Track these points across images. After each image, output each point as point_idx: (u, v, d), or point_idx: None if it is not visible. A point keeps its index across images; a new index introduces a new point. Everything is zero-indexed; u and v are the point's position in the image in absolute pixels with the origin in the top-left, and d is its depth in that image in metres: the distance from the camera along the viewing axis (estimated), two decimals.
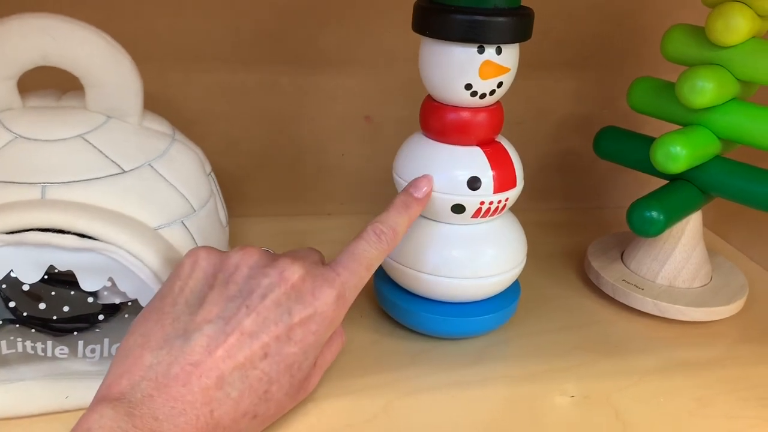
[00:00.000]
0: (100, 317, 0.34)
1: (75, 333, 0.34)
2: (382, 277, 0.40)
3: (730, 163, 0.40)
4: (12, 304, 0.33)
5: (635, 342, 0.40)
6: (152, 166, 0.33)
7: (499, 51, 0.33)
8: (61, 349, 0.32)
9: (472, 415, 0.33)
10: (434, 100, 0.35)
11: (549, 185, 0.57)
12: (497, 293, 0.38)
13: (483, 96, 0.34)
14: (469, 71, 0.33)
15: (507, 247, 0.37)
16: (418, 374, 0.36)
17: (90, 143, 0.32)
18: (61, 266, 0.29)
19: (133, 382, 0.25)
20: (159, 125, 0.36)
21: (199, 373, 0.26)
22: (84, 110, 0.33)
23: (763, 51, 0.38)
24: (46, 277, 0.30)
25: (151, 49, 0.45)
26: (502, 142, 0.36)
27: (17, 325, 0.33)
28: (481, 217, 0.35)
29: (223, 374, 0.26)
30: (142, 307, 0.31)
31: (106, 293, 0.33)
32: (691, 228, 0.42)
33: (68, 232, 0.29)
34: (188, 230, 0.33)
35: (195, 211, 0.34)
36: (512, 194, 0.36)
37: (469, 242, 0.36)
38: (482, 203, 0.35)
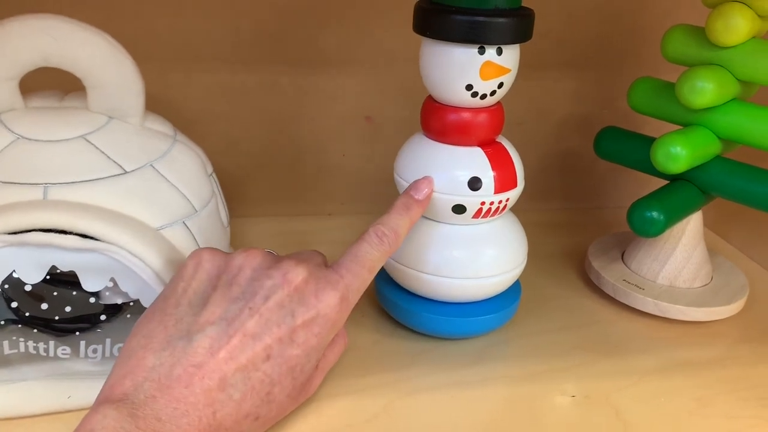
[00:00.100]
0: (102, 317, 0.34)
1: (77, 333, 0.34)
2: (383, 277, 0.40)
3: (730, 164, 0.41)
4: (14, 305, 0.33)
5: (636, 342, 0.40)
6: (154, 167, 0.33)
7: (499, 51, 0.33)
8: (63, 350, 0.32)
9: (472, 415, 0.33)
10: (435, 101, 0.35)
11: (549, 185, 0.57)
12: (498, 293, 0.38)
13: (484, 96, 0.34)
14: (469, 72, 0.33)
15: (508, 247, 0.37)
16: (418, 374, 0.36)
17: (92, 144, 0.32)
18: (63, 266, 0.29)
19: (135, 383, 0.25)
20: (160, 126, 0.36)
21: (201, 374, 0.26)
22: (86, 111, 0.33)
23: (763, 51, 0.38)
24: (48, 277, 0.30)
25: (151, 50, 0.45)
26: (503, 143, 0.36)
27: (19, 326, 0.33)
28: (482, 217, 0.36)
29: (225, 376, 0.26)
30: (144, 308, 0.31)
31: (108, 293, 0.33)
32: (691, 228, 0.42)
33: (70, 233, 0.29)
34: (190, 231, 0.33)
35: (196, 211, 0.34)
36: (513, 194, 0.36)
37: (470, 242, 0.36)
38: (483, 203, 0.35)
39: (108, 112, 0.34)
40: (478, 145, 0.35)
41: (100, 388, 0.26)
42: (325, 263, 0.32)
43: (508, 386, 0.36)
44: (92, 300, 0.32)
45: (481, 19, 0.31)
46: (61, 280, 0.32)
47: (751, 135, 0.39)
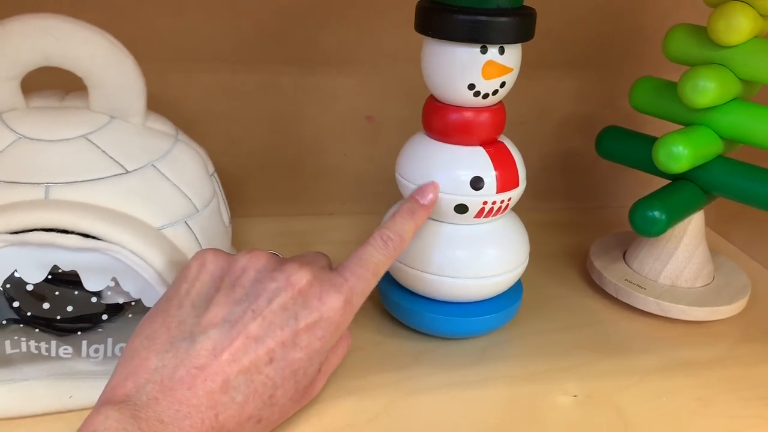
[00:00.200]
0: (104, 317, 0.34)
1: (79, 333, 0.34)
2: (384, 277, 0.39)
3: (732, 163, 0.40)
4: (16, 304, 0.33)
5: (637, 341, 0.40)
6: (155, 167, 0.33)
7: (502, 51, 0.33)
8: (64, 349, 0.32)
9: (473, 415, 0.33)
10: (437, 100, 0.35)
11: (551, 185, 0.57)
12: (499, 293, 0.38)
13: (486, 96, 0.34)
14: (472, 71, 0.33)
15: (509, 247, 0.37)
16: (420, 374, 0.36)
17: (93, 143, 0.32)
18: (65, 266, 0.29)
19: (138, 385, 0.25)
20: (162, 125, 0.36)
21: (204, 376, 0.26)
22: (87, 110, 0.33)
23: (765, 50, 0.38)
24: (49, 276, 0.30)
25: (151, 50, 0.45)
26: (505, 142, 0.36)
27: (21, 325, 0.33)
28: (484, 217, 0.36)
29: (228, 378, 0.26)
30: (145, 307, 0.31)
31: (109, 293, 0.33)
32: (693, 228, 0.42)
33: (72, 232, 0.29)
34: (191, 230, 0.33)
35: (198, 211, 0.34)
36: (515, 194, 0.36)
37: (472, 242, 0.36)
38: (485, 203, 0.35)
39: (109, 111, 0.34)
40: (480, 145, 0.35)
41: (102, 387, 0.26)
42: (330, 266, 0.32)
43: (509, 386, 0.36)
44: (94, 299, 0.32)
45: (483, 18, 0.31)
46: (63, 280, 0.32)
47: (753, 134, 0.39)
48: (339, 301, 0.29)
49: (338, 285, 0.29)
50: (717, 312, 0.41)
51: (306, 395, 0.30)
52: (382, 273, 0.31)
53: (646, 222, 0.39)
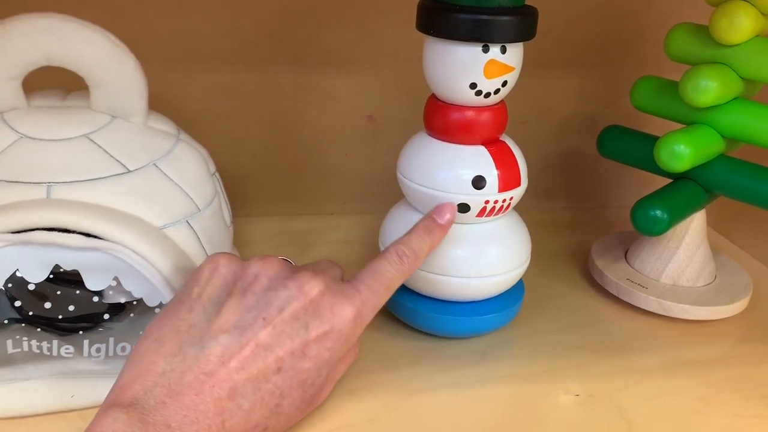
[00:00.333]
0: (106, 316, 0.34)
1: (80, 332, 0.34)
2: None
3: (733, 162, 0.40)
4: (18, 304, 0.33)
5: (639, 341, 0.40)
6: (157, 166, 0.33)
7: (503, 50, 0.33)
8: (66, 349, 0.32)
9: (475, 415, 0.33)
10: (438, 100, 0.35)
11: (552, 184, 0.57)
12: (501, 292, 0.38)
13: (488, 95, 0.34)
14: (473, 70, 0.33)
15: (511, 246, 0.37)
16: (421, 373, 0.36)
17: (95, 143, 0.32)
18: (67, 265, 0.29)
19: (145, 388, 0.25)
20: (163, 125, 0.36)
21: (212, 383, 0.26)
22: (89, 110, 0.33)
23: (766, 49, 0.38)
24: (51, 276, 0.30)
25: (152, 50, 0.45)
26: (507, 141, 0.36)
27: (23, 325, 0.33)
28: (486, 216, 0.35)
29: (235, 385, 0.26)
30: (147, 307, 0.31)
31: (111, 292, 0.33)
32: (695, 227, 0.42)
33: (73, 232, 0.29)
34: (193, 230, 0.33)
35: (200, 210, 0.34)
36: (517, 193, 0.36)
37: (474, 241, 0.36)
38: (487, 202, 0.35)
39: (111, 111, 0.34)
40: (482, 144, 0.35)
41: (104, 387, 0.26)
42: (342, 276, 0.32)
43: (511, 385, 0.36)
44: (96, 299, 0.32)
45: (485, 17, 0.31)
46: (65, 279, 0.32)
47: (755, 133, 0.39)
48: (351, 314, 0.29)
49: (351, 297, 0.29)
50: (719, 311, 0.41)
51: (312, 404, 0.30)
52: (395, 288, 0.31)
53: (648, 221, 0.39)
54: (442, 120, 0.35)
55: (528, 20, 0.33)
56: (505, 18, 0.32)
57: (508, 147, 0.36)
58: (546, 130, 0.55)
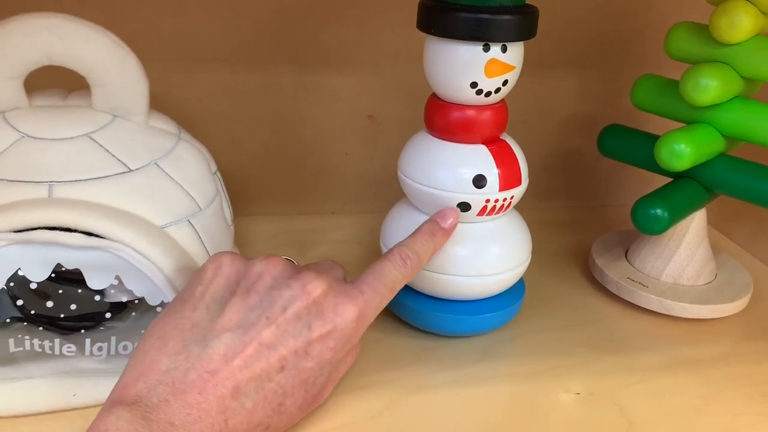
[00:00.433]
0: (107, 315, 0.34)
1: (82, 331, 0.34)
2: None
3: (734, 161, 0.40)
4: (20, 303, 0.33)
5: (640, 339, 0.40)
6: (158, 165, 0.33)
7: (504, 49, 0.33)
8: (68, 347, 0.32)
9: (476, 413, 0.33)
10: (439, 99, 0.35)
11: (553, 184, 0.57)
12: (502, 291, 0.38)
13: (488, 94, 0.34)
14: (474, 69, 0.33)
15: (512, 245, 0.37)
16: (422, 372, 0.36)
17: (96, 142, 0.32)
18: (69, 264, 0.29)
19: (149, 386, 0.25)
20: (165, 124, 0.36)
21: (215, 381, 0.26)
22: (90, 109, 0.33)
23: (766, 48, 0.38)
24: (53, 275, 0.30)
25: (153, 50, 0.45)
26: (507, 140, 0.36)
27: (25, 323, 0.33)
28: (487, 215, 0.36)
29: (239, 384, 0.26)
30: (149, 306, 0.31)
31: (113, 291, 0.33)
32: (695, 225, 0.42)
33: (75, 231, 0.29)
34: (194, 229, 0.33)
35: (201, 209, 0.34)
36: (517, 192, 0.36)
37: (475, 240, 0.36)
38: (488, 201, 0.35)
39: (112, 110, 0.34)
40: (483, 143, 0.35)
41: (106, 386, 0.26)
42: (345, 276, 0.32)
43: (511, 384, 0.36)
44: (97, 298, 0.33)
45: (486, 16, 0.31)
46: (67, 278, 0.32)
47: (755, 132, 0.39)
48: (353, 314, 0.29)
49: (353, 297, 0.29)
50: (719, 310, 0.41)
51: (314, 403, 0.30)
52: (397, 290, 0.32)
53: (649, 220, 0.39)
54: (442, 119, 0.35)
55: (528, 19, 0.33)
56: (505, 17, 0.32)
57: (509, 146, 0.36)
58: (546, 130, 0.55)
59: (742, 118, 0.39)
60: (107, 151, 0.32)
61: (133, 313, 0.35)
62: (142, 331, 0.32)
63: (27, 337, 0.32)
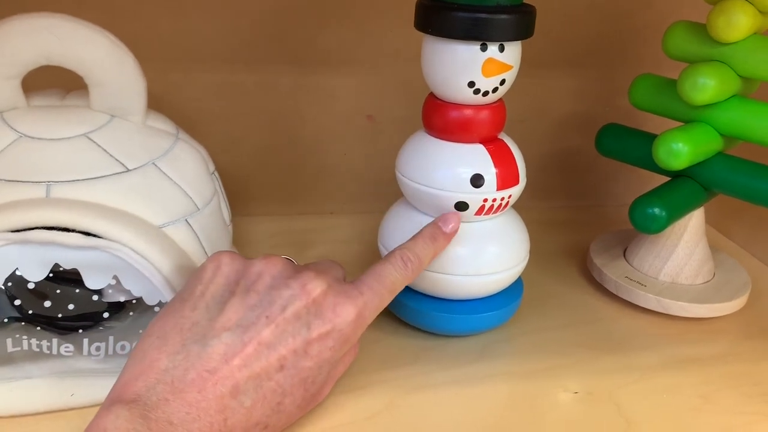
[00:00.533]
0: (105, 315, 0.34)
1: (80, 331, 0.34)
2: None
3: (732, 160, 0.41)
4: (17, 302, 0.33)
5: (638, 339, 0.40)
6: (156, 165, 0.33)
7: (501, 48, 0.33)
8: (66, 347, 0.32)
9: (474, 413, 0.33)
10: (437, 98, 0.35)
11: (551, 183, 0.57)
12: (500, 290, 0.38)
13: (486, 93, 0.34)
14: (472, 69, 0.33)
15: (510, 244, 0.37)
16: (420, 371, 0.36)
17: (94, 142, 0.32)
18: (66, 264, 0.29)
19: (148, 385, 0.25)
20: (163, 124, 0.36)
21: (214, 380, 0.26)
22: (88, 109, 0.33)
23: (764, 47, 0.38)
24: (51, 275, 0.30)
25: (151, 50, 0.45)
26: (505, 140, 0.37)
27: (23, 323, 0.33)
28: (485, 214, 0.36)
29: (238, 383, 0.26)
30: (147, 305, 0.31)
31: (111, 291, 0.33)
32: (693, 225, 0.42)
33: (73, 231, 0.29)
34: (192, 228, 0.33)
35: (199, 209, 0.34)
36: (515, 191, 0.36)
37: (473, 239, 0.36)
38: (485, 200, 0.35)
39: (110, 110, 0.34)
40: (480, 142, 0.35)
41: (104, 385, 0.26)
42: (344, 276, 0.32)
43: (510, 383, 0.36)
44: (95, 298, 0.33)
45: (483, 15, 0.31)
46: (64, 278, 0.32)
47: (753, 131, 0.39)
48: (352, 314, 0.29)
49: (353, 297, 0.29)
50: (717, 309, 0.41)
51: (312, 402, 0.30)
52: (397, 291, 0.32)
53: (646, 219, 0.39)
54: (440, 119, 0.35)
55: (526, 19, 0.33)
56: (503, 16, 0.32)
57: (507, 145, 0.36)
58: (544, 129, 0.55)
59: (739, 117, 0.39)
60: (105, 151, 0.32)
61: (131, 313, 0.35)
62: (140, 331, 0.32)
63: (25, 337, 0.32)
